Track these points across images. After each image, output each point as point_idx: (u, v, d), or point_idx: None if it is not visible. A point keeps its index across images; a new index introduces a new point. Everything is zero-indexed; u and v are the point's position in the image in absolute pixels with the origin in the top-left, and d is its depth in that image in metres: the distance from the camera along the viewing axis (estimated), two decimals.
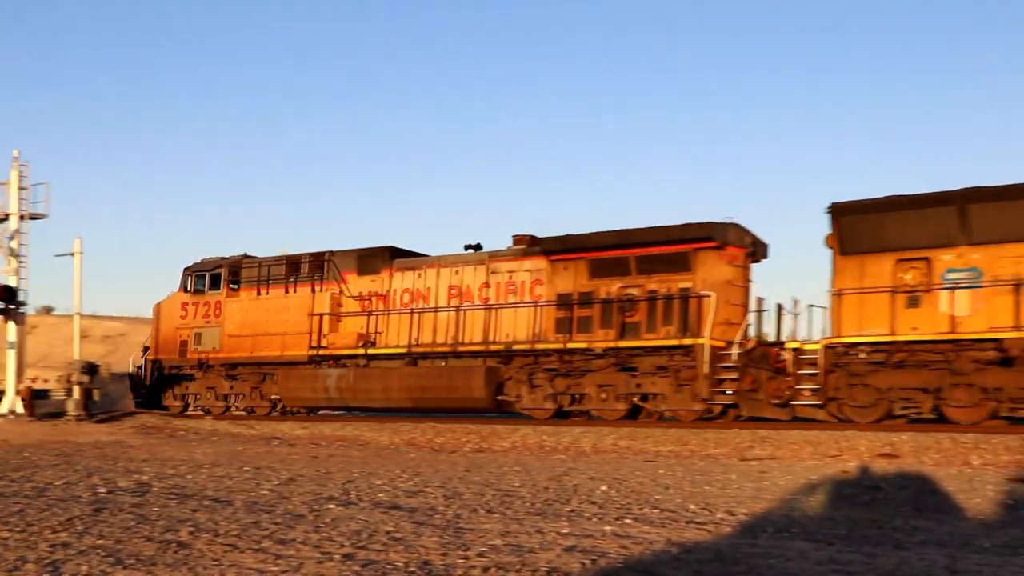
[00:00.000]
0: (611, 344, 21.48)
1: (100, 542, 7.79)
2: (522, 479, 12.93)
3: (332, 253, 26.79)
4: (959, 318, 18.33)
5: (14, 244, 24.51)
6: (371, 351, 24.82)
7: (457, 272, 24.52)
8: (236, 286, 27.94)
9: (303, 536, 8.09)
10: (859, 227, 19.58)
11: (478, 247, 24.88)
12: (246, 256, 28.40)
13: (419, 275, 25.11)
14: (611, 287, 22.23)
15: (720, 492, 11.46)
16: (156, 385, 28.85)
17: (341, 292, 26.16)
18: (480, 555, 7.14)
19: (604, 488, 11.74)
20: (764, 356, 21.12)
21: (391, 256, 25.92)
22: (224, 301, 27.81)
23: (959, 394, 18.32)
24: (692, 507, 9.94)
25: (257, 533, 8.23)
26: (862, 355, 19.15)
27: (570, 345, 21.99)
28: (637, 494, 11.16)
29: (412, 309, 24.73)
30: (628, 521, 8.92)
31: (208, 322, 27.95)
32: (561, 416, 22.39)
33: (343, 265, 26.33)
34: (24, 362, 25.25)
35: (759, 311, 21.97)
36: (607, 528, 8.47)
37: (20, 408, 24.26)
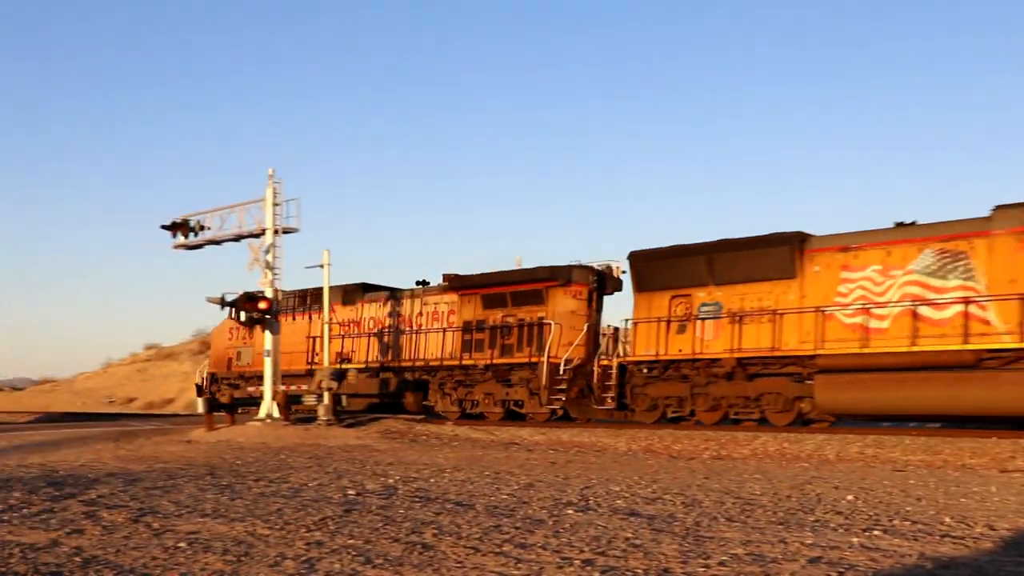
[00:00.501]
0: (489, 361, 27.18)
1: (351, 542, 8.11)
2: (763, 487, 12.61)
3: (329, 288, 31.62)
4: (706, 341, 22.95)
5: (269, 257, 25.77)
6: (345, 366, 29.85)
7: (402, 303, 30.58)
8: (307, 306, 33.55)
9: (543, 541, 8.15)
10: (648, 270, 24.49)
11: (425, 283, 30.36)
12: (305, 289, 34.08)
13: (380, 305, 31.33)
14: (496, 316, 27.76)
15: (978, 505, 10.80)
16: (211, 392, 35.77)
17: (331, 319, 30.45)
18: (721, 564, 7.00)
19: (850, 498, 11.30)
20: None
21: (363, 290, 32.21)
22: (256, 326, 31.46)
23: (700, 401, 22.97)
24: (947, 520, 9.41)
25: (498, 537, 8.35)
26: (644, 370, 23.98)
27: (465, 362, 27.86)
28: (886, 505, 10.68)
29: (370, 333, 31.14)
30: (877, 533, 8.54)
31: (245, 343, 34.65)
32: (465, 417, 27.71)
33: (334, 297, 30.73)
34: (279, 369, 26.58)
35: (597, 335, 27.01)
36: (854, 540, 8.13)
37: (276, 413, 25.54)
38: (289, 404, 26.04)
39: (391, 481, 13.22)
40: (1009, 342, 18.81)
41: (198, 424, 25.67)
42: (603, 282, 27.30)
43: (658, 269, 24.16)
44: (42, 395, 70.69)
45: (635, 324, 24.38)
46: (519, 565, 7.02)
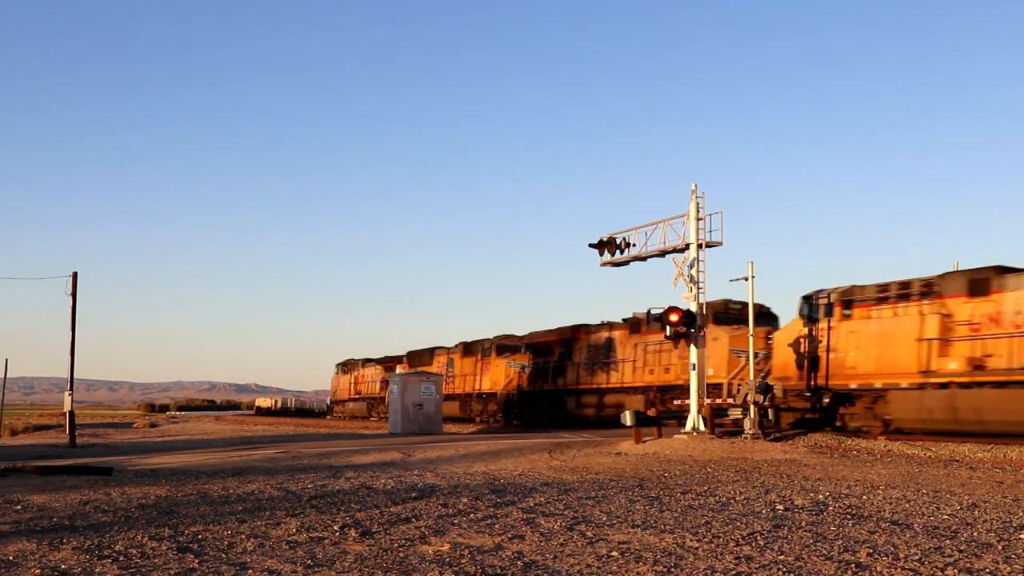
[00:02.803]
0: (376, 396, 61.78)
1: (781, 557, 7.98)
2: None
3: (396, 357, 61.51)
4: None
5: (693, 272, 25.95)
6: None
7: (369, 369, 64.39)
8: (345, 369, 69.15)
9: (991, 566, 7.59)
10: (418, 357, 54.66)
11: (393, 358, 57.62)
12: (348, 359, 69.82)
13: (375, 370, 63.17)
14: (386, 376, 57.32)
15: None
16: (330, 409, 75.86)
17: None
18: None
19: None
20: None
21: (363, 361, 64.37)
22: (339, 377, 71.66)
23: None
24: None
25: (940, 559, 7.89)
26: None
27: (375, 395, 62.15)
28: None
29: (366, 382, 65.24)
30: None
31: (353, 384, 69.38)
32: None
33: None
34: (704, 381, 26.66)
35: None
36: None
37: (702, 426, 25.65)
38: (715, 417, 26.07)
39: (820, 497, 12.87)
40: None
41: (626, 437, 26.34)
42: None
43: (420, 357, 54.79)
44: None
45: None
46: None
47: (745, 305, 29.28)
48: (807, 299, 28.05)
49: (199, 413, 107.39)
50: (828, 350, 26.95)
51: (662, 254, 27.24)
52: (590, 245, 28.58)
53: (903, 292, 25.69)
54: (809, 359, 27.58)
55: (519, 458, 21.02)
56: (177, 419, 72.09)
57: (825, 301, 27.31)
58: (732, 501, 12.35)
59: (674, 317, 25.43)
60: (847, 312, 26.80)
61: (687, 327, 25.64)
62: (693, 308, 25.77)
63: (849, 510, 11.34)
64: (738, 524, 9.99)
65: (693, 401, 25.95)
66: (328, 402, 74.33)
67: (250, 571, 7.60)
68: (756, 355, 27.58)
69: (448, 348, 51.04)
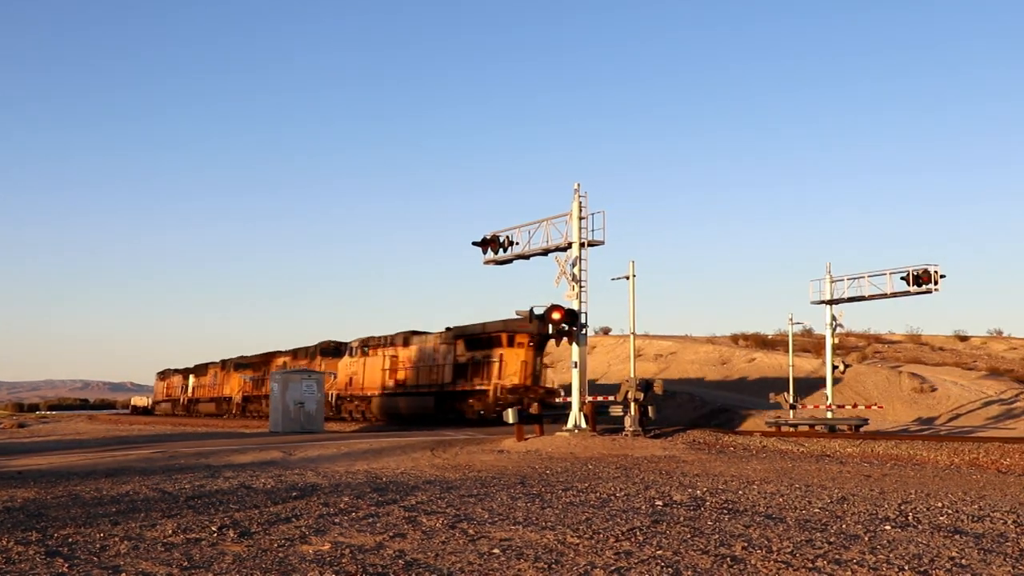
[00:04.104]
0: (176, 398, 74.44)
1: (659, 552, 8.11)
2: None
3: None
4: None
5: (576, 270, 26.16)
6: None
7: (175, 377, 76.17)
8: (162, 377, 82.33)
9: (858, 557, 7.84)
10: (199, 369, 69.24)
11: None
12: (165, 369, 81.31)
13: (178, 378, 74.45)
14: (184, 382, 72.81)
15: None
16: (153, 409, 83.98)
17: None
18: None
19: None
20: None
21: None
22: (158, 383, 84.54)
23: None
24: None
25: (811, 551, 8.12)
26: None
27: (176, 397, 74.03)
28: None
29: (174, 387, 77.12)
30: None
31: (166, 389, 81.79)
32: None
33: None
34: (586, 380, 26.93)
35: None
36: None
37: (584, 423, 25.91)
38: (596, 414, 26.34)
39: (698, 492, 13.13)
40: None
41: (509, 434, 26.45)
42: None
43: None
44: None
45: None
46: None
47: (340, 344, 49.01)
48: (348, 344, 46.58)
49: (72, 412, 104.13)
50: (355, 374, 44.84)
51: (545, 252, 27.38)
52: (473, 243, 28.61)
53: (382, 342, 43.57)
54: (349, 379, 45.30)
55: (401, 456, 20.93)
56: (48, 419, 69.75)
57: (356, 344, 45.52)
58: (613, 497, 12.51)
59: (556, 315, 25.60)
60: (365, 351, 44.68)
61: (569, 325, 25.85)
62: (575, 307, 25.97)
63: (725, 505, 11.59)
64: (618, 520, 10.12)
65: (575, 399, 26.17)
66: (152, 402, 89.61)
67: (123, 574, 7.40)
68: (333, 375, 46.08)
69: (215, 363, 67.38)
